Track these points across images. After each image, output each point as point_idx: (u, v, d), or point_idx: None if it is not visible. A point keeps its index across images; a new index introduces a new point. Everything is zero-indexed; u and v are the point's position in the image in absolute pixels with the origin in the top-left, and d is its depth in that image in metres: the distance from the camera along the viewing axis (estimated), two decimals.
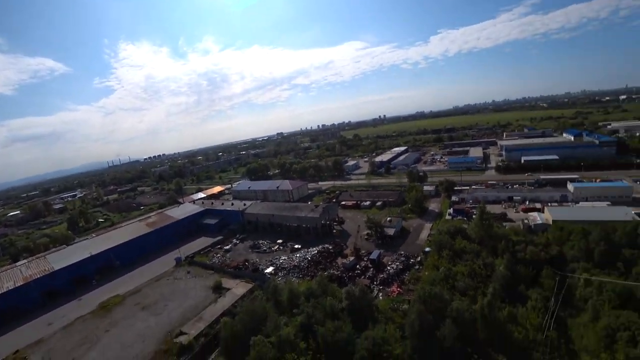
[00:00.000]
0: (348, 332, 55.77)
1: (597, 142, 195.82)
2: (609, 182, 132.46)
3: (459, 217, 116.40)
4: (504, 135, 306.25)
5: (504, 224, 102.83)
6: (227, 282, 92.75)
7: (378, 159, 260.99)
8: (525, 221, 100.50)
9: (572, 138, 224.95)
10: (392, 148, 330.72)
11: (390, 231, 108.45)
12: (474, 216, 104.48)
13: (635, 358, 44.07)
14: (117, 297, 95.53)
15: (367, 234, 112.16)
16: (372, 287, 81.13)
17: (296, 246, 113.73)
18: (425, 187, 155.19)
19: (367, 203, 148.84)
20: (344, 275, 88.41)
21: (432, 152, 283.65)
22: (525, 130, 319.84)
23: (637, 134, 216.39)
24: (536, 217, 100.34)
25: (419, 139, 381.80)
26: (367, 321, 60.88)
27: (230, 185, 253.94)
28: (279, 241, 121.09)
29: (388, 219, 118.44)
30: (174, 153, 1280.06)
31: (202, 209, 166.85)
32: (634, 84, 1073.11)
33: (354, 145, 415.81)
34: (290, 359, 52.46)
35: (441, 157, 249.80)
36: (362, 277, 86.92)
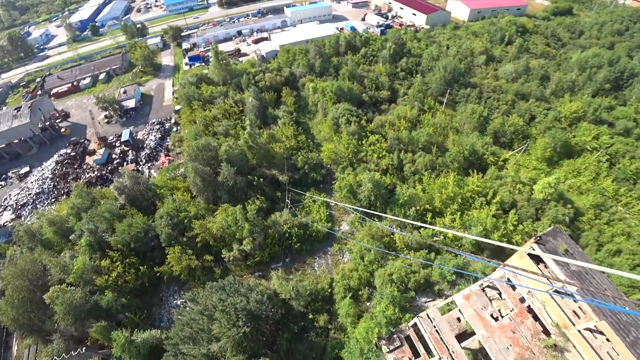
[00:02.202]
0: (143, 223, 49.88)
1: None
2: (315, 3, 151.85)
3: (197, 64, 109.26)
4: None
5: (240, 59, 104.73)
6: None
7: (74, 18, 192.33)
8: (258, 51, 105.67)
9: None
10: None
11: (131, 103, 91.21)
12: (211, 59, 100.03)
13: (353, 132, 62.24)
14: None
15: (105, 116, 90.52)
16: (139, 169, 71.75)
17: (22, 171, 79.54)
18: (150, 41, 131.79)
19: (87, 81, 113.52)
20: (104, 172, 72.73)
21: None
22: None
23: None
24: (266, 47, 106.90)
25: None
26: (154, 203, 56.16)
27: None
28: None
29: (122, 90, 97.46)
30: None
31: None
32: None
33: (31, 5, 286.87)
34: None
35: (156, 1, 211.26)
36: (125, 164, 74.22)
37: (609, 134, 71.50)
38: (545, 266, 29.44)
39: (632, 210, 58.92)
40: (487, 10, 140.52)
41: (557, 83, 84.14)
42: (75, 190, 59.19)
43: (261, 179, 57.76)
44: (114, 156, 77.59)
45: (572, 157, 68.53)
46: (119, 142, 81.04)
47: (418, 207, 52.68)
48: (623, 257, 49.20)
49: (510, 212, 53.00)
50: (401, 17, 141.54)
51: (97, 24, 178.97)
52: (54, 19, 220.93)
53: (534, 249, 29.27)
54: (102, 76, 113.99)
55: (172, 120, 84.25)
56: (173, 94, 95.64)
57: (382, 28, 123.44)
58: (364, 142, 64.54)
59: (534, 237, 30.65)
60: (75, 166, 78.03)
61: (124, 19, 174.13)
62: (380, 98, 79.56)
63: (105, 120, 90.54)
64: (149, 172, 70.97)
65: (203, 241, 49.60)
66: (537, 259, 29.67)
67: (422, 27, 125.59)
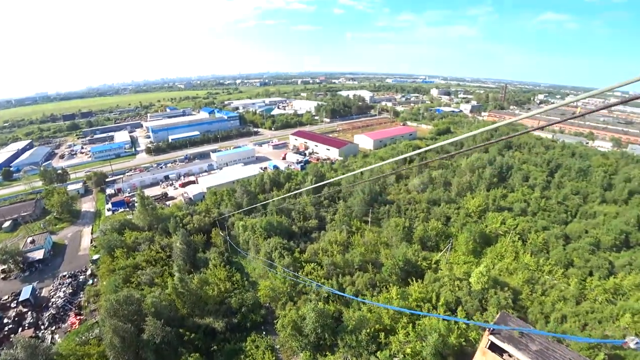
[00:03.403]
0: None
1: (225, 117, 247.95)
2: (238, 148, 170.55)
3: (121, 210, 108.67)
4: (148, 117, 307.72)
5: (167, 202, 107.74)
6: None
7: None
8: (185, 195, 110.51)
9: (208, 115, 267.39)
10: (8, 145, 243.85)
11: (38, 254, 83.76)
12: (136, 204, 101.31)
13: (287, 265, 65.26)
14: None
15: (3, 270, 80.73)
16: (40, 334, 61.66)
17: None
18: (71, 187, 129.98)
19: None
20: None
21: (69, 143, 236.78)
22: (168, 110, 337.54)
23: (251, 110, 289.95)
24: (193, 190, 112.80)
25: (46, 129, 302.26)
26: None
27: None
28: None
29: (29, 239, 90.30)
30: None
31: None
32: (246, 71, 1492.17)
33: None
34: None
35: (82, 148, 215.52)
36: (20, 329, 63.33)
37: (512, 217, 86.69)
38: (510, 355, 30.25)
39: (557, 276, 66.82)
40: (387, 139, 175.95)
41: (457, 186, 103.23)
42: None
43: (193, 334, 53.27)
44: (5, 321, 66.39)
45: (491, 244, 79.49)
46: (15, 302, 70.90)
47: (368, 330, 51.78)
48: (570, 322, 54.11)
49: (457, 309, 55.32)
50: (317, 153, 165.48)
51: (12, 168, 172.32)
52: None
53: (492, 341, 30.58)
54: (6, 224, 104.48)
55: (88, 272, 78.25)
56: (91, 242, 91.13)
57: (302, 164, 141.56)
58: (300, 273, 66.44)
59: (487, 330, 31.77)
60: None
61: (44, 164, 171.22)
62: (310, 227, 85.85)
63: (2, 276, 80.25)
64: (52, 337, 61.65)
65: None
66: (499, 351, 30.59)
67: (337, 159, 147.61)
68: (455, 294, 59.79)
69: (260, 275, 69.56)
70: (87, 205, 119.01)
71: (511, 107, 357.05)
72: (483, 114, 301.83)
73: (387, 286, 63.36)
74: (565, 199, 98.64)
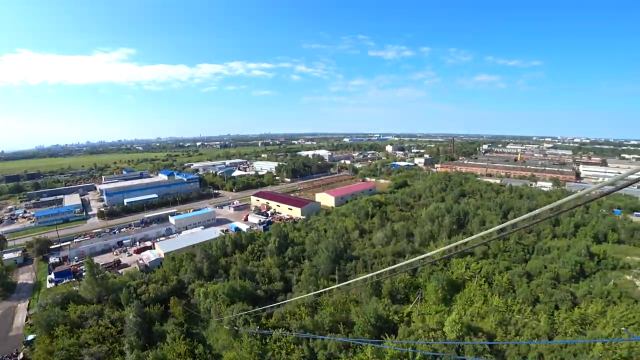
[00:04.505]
0: None
1: (185, 179, 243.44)
2: (198, 210, 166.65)
3: (66, 280, 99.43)
4: (103, 179, 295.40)
5: (120, 271, 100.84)
6: None
7: None
8: (141, 261, 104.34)
9: (167, 177, 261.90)
10: None
11: None
12: (84, 273, 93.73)
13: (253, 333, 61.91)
14: None
15: None
16: None
17: None
18: (7, 256, 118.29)
19: None
20: None
21: (10, 207, 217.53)
22: (124, 172, 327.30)
23: (211, 172, 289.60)
24: (149, 256, 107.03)
25: None
26: None
27: None
28: None
29: None
30: None
31: None
32: (206, 134, 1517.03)
33: None
34: None
35: (25, 212, 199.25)
36: None
37: (474, 261, 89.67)
38: None
39: (526, 314, 68.08)
40: (347, 195, 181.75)
41: (420, 236, 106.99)
42: None
43: None
44: None
45: (459, 290, 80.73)
46: None
47: None
48: (547, 359, 54.91)
49: None
50: (280, 213, 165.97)
51: None
52: None
53: None
54: None
55: (20, 356, 68.64)
56: (27, 320, 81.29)
57: (264, 225, 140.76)
58: (268, 339, 62.93)
59: None
60: None
61: None
62: (275, 290, 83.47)
63: None
64: None
65: None
66: None
67: (300, 218, 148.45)
68: (431, 346, 59.23)
69: (224, 346, 64.71)
70: (25, 276, 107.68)
71: (460, 157, 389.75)
72: (436, 165, 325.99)
73: (361, 346, 61.40)
74: (521, 238, 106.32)
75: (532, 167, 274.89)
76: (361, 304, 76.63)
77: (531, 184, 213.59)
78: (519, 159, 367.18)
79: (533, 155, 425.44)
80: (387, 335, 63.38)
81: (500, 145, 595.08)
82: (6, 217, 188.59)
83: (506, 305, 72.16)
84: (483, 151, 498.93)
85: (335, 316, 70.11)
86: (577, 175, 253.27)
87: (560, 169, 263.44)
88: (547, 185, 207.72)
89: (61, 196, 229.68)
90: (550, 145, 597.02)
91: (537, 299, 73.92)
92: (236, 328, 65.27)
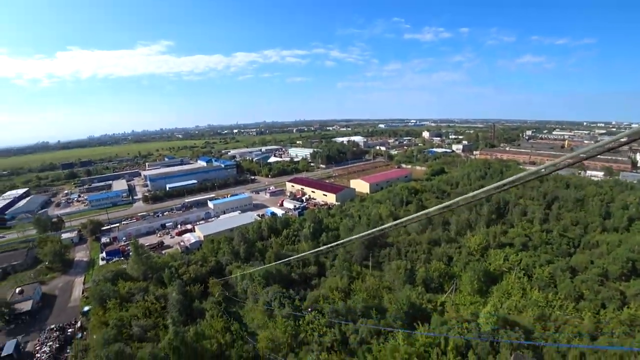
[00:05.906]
0: None
1: (223, 166, 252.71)
2: (236, 195, 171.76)
3: (116, 259, 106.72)
4: (147, 166, 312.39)
5: (163, 252, 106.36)
6: None
7: None
8: (182, 243, 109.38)
9: (205, 164, 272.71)
10: (4, 192, 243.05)
11: (26, 305, 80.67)
12: (131, 253, 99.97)
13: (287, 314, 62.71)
14: None
15: None
16: None
17: None
18: (65, 235, 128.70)
19: None
20: None
21: (66, 192, 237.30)
22: (166, 159, 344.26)
23: (247, 158, 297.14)
24: (190, 238, 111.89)
25: (45, 177, 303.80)
26: None
27: None
28: None
29: (17, 290, 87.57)
30: None
31: None
32: (242, 121, 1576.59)
33: None
34: None
35: (79, 196, 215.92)
36: None
37: (514, 253, 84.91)
38: None
39: (568, 310, 63.57)
40: (382, 182, 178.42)
41: (456, 224, 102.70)
42: None
43: None
44: None
45: (496, 282, 76.61)
46: None
47: None
48: None
49: (468, 354, 52.14)
50: (314, 199, 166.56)
51: (6, 216, 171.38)
52: None
53: None
54: None
55: (78, 325, 75.10)
56: (83, 293, 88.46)
57: (299, 210, 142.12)
58: (301, 321, 63.77)
59: None
60: None
61: (39, 212, 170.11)
62: (309, 274, 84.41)
63: None
64: None
65: None
66: None
67: (334, 204, 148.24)
68: (464, 337, 56.34)
69: (259, 326, 66.81)
70: (80, 254, 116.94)
71: (501, 144, 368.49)
72: (475, 152, 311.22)
73: (393, 332, 60.03)
74: (566, 230, 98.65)
75: (582, 155, 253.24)
76: (394, 291, 75.46)
77: (579, 173, 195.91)
78: (566, 145, 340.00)
79: (583, 142, 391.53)
80: (419, 323, 61.71)
81: (545, 132, 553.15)
82: (63, 201, 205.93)
83: (546, 300, 67.89)
84: (526, 137, 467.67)
85: (367, 302, 69.48)
86: (634, 164, 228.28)
87: (614, 157, 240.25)
88: (598, 175, 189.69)
89: (110, 182, 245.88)
90: (604, 132, 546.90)
91: (582, 295, 68.76)
92: (271, 310, 66.89)
